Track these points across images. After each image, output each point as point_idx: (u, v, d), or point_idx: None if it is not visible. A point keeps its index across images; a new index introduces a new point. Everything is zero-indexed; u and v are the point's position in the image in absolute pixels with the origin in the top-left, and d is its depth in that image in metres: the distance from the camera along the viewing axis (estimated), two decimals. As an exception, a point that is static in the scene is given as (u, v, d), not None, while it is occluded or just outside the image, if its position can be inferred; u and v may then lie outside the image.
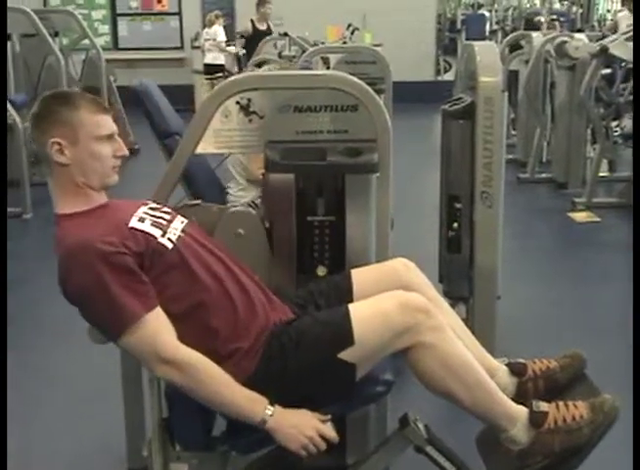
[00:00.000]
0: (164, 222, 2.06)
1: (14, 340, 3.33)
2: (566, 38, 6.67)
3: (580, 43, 6.32)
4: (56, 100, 2.03)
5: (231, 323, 1.98)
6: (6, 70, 6.24)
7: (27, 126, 6.08)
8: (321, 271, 2.32)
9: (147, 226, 2.00)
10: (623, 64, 6.07)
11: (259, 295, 2.10)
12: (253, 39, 10.02)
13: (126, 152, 2.07)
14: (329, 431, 1.92)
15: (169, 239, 2.00)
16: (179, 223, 2.10)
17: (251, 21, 10.90)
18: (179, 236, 2.04)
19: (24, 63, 7.09)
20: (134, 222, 1.99)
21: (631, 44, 5.73)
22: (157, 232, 2.00)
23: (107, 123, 2.04)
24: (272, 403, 1.90)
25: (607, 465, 2.44)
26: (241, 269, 2.13)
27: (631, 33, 5.89)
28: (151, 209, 2.10)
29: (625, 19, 10.13)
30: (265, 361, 1.95)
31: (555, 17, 10.43)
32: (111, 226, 1.95)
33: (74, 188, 2.01)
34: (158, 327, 1.89)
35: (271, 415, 1.88)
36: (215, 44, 11.17)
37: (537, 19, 10.80)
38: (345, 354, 1.94)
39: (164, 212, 2.12)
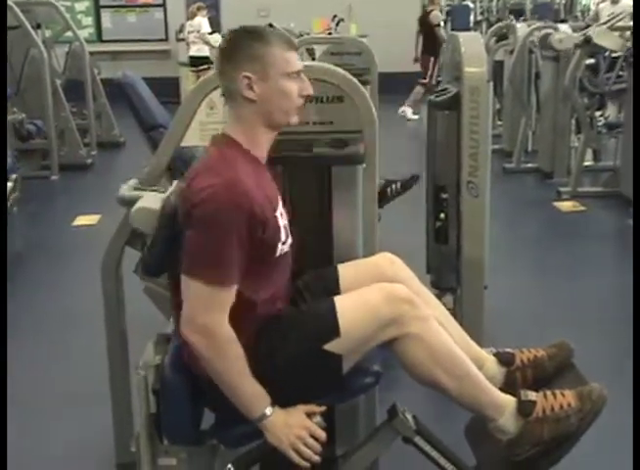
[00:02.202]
0: (288, 230, 2.05)
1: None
2: (550, 30, 6.68)
3: (564, 35, 6.33)
4: (248, 34, 1.98)
5: (248, 325, 1.96)
6: (5, 69, 6.18)
7: (10, 120, 6.04)
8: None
9: (282, 225, 2.00)
10: (607, 53, 6.09)
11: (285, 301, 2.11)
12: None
13: (311, 91, 2.04)
14: (319, 431, 1.92)
15: (281, 249, 2.00)
16: (290, 239, 2.07)
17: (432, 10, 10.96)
18: (286, 251, 2.04)
19: (7, 56, 7.03)
20: (278, 213, 1.99)
21: (616, 33, 5.76)
22: (283, 237, 2.00)
23: (296, 60, 2.00)
24: (274, 405, 1.91)
25: (603, 456, 2.47)
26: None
27: (614, 22, 5.91)
28: (283, 207, 2.07)
29: (606, 9, 10.18)
30: (254, 355, 1.94)
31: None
32: (267, 198, 1.94)
33: (253, 127, 1.99)
34: (225, 301, 1.86)
35: (270, 415, 1.89)
36: (199, 36, 11.12)
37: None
38: (331, 346, 1.94)
39: (288, 220, 2.09)
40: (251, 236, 1.87)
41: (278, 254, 1.98)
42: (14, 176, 5.63)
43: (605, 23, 6.09)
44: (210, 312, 1.85)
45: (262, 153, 2.03)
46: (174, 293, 1.98)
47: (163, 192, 2.31)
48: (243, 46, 1.96)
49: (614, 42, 5.85)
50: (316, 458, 1.91)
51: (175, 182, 2.22)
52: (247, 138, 1.99)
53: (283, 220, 2.01)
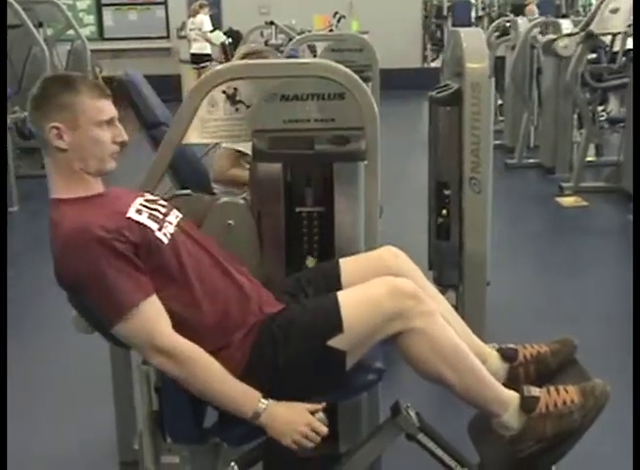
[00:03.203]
0: (160, 216, 2.03)
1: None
2: (553, 36, 6.65)
3: (567, 41, 6.28)
4: (57, 83, 1.98)
5: (223, 318, 1.97)
6: (5, 69, 6.18)
7: (12, 118, 6.09)
8: (310, 262, 2.29)
9: (144, 218, 1.97)
10: (607, 48, 6.09)
11: (251, 288, 2.09)
12: None
13: (126, 137, 2.03)
14: (321, 427, 1.91)
15: (165, 234, 1.98)
16: (174, 218, 2.08)
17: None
18: (174, 231, 2.02)
19: (8, 54, 7.03)
20: (132, 213, 1.97)
21: (610, 15, 5.75)
22: (153, 225, 1.97)
23: (108, 108, 1.99)
24: (265, 397, 1.89)
25: (605, 453, 2.47)
26: (232, 263, 2.12)
27: (611, 6, 5.89)
28: (147, 200, 2.07)
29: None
30: (256, 353, 1.94)
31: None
32: (108, 214, 1.92)
33: (72, 173, 1.98)
34: (154, 315, 1.87)
35: (264, 409, 1.88)
36: (201, 34, 11.13)
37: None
38: (335, 342, 1.93)
39: (160, 205, 2.09)
40: (119, 254, 1.85)
41: (166, 240, 1.96)
42: None
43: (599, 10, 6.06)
44: (150, 336, 1.85)
45: (90, 188, 2.01)
46: None
47: None
48: (52, 95, 1.95)
49: (613, 24, 5.83)
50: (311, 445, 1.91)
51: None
52: (67, 186, 1.98)
53: (143, 215, 1.98)
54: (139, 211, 1.99)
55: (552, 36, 6.61)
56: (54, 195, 2.00)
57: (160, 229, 1.98)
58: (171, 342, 1.86)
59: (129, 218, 1.94)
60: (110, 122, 1.99)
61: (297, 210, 2.32)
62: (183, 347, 1.86)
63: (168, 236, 1.99)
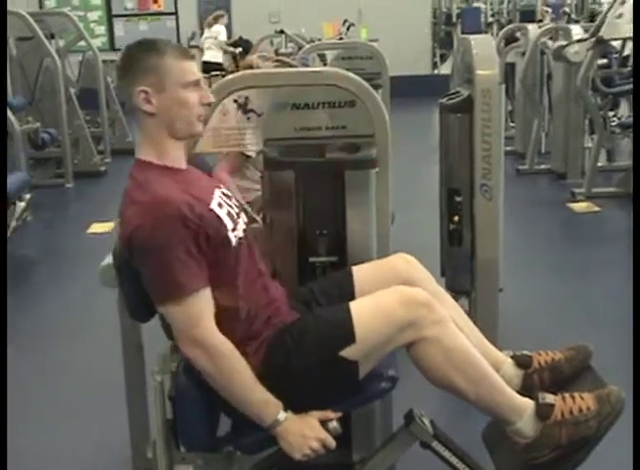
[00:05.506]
0: (235, 216, 2.04)
1: (15, 342, 3.34)
2: (563, 42, 6.64)
3: (578, 47, 6.26)
4: (140, 47, 1.98)
5: (249, 328, 1.97)
6: (6, 71, 6.22)
7: (25, 129, 6.09)
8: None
9: (223, 214, 1.98)
10: (617, 54, 6.08)
11: (281, 301, 2.10)
12: None
13: (212, 99, 2.04)
14: (332, 442, 1.91)
15: (235, 236, 1.99)
16: (243, 222, 2.08)
17: None
18: (242, 235, 2.03)
19: (21, 66, 7.08)
20: (214, 205, 1.98)
21: (618, 21, 5.74)
22: (229, 224, 1.98)
23: (193, 69, 1.99)
24: (286, 409, 1.90)
25: (607, 458, 2.44)
26: (268, 273, 2.13)
27: (617, 12, 5.88)
28: (224, 194, 2.08)
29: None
30: (269, 361, 1.94)
31: (567, 10, 10.45)
32: (195, 197, 1.92)
33: (162, 140, 1.98)
34: (204, 308, 1.87)
35: (283, 421, 1.88)
36: (217, 43, 11.20)
37: (543, 9, 10.97)
38: (347, 352, 1.93)
39: (234, 204, 2.09)
40: (195, 239, 1.86)
41: (234, 243, 1.97)
42: (27, 196, 5.58)
43: (607, 13, 6.05)
44: (196, 326, 1.85)
45: (178, 160, 2.03)
46: (164, 324, 1.98)
47: None
48: (137, 60, 1.96)
49: (623, 30, 5.83)
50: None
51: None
52: (156, 152, 1.99)
53: (223, 210, 2.00)
54: (220, 205, 2.00)
55: (562, 42, 6.59)
56: (141, 156, 2.00)
57: (233, 230, 1.98)
58: (211, 336, 1.86)
59: (211, 210, 1.95)
60: (196, 84, 1.99)
61: (309, 216, 2.33)
62: (220, 344, 1.86)
63: (237, 239, 1.99)
